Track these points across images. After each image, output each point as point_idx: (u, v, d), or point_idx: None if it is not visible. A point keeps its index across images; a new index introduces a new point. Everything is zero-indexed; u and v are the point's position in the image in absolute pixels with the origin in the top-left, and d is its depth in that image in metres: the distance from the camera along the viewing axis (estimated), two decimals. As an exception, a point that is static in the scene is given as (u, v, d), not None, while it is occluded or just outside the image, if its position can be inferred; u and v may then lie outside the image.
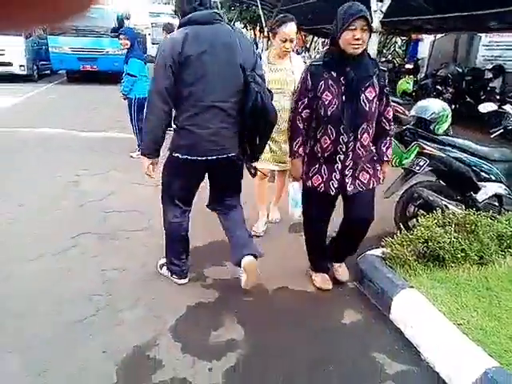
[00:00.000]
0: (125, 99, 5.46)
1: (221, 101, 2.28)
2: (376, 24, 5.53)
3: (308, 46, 18.69)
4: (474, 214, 2.87)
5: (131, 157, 5.51)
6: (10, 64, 12.14)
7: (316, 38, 19.27)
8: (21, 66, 12.28)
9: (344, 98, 2.29)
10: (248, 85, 2.27)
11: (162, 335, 2.29)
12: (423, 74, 11.95)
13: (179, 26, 2.31)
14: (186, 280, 2.78)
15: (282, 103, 3.10)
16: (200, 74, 2.22)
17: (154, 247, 3.21)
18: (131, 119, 5.53)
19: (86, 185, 4.46)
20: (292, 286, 2.82)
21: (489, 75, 9.09)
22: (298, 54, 11.98)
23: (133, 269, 2.92)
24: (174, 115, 2.41)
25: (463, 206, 3.17)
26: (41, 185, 4.36)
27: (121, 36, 5.45)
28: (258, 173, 3.04)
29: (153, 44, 20.69)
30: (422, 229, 2.74)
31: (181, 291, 2.71)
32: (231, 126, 2.35)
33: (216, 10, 2.35)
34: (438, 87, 9.67)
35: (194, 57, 2.19)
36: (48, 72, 13.87)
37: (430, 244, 2.67)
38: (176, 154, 2.38)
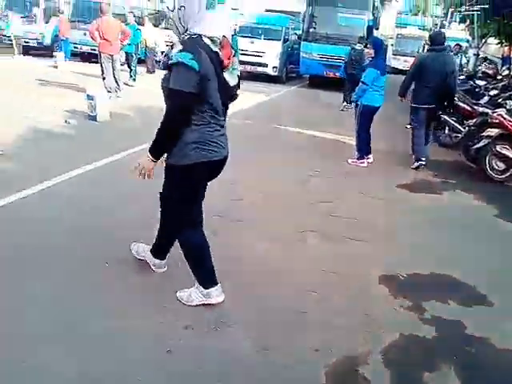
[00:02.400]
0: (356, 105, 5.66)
1: (436, 83, 5.44)
2: None
3: None
4: None
5: (347, 162, 5.67)
6: (265, 65, 13.89)
7: None
8: (274, 67, 13.88)
9: None
10: (449, 79, 5.51)
11: (373, 355, 2.25)
12: None
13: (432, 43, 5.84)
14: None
15: None
16: (429, 74, 5.47)
17: (373, 260, 3.20)
18: (356, 124, 5.71)
19: (317, 185, 4.75)
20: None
21: None
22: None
23: (351, 276, 2.97)
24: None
25: None
26: (279, 177, 4.84)
27: (368, 46, 5.64)
28: None
29: (394, 55, 20.40)
30: None
31: (395, 316, 2.61)
32: (437, 94, 5.51)
33: (445, 46, 5.98)
34: None
35: (429, 65, 5.52)
36: (294, 75, 15.26)
37: None
38: None
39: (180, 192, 2.30)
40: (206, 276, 2.46)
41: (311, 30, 13.36)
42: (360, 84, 5.47)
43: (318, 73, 13.45)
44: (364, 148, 5.71)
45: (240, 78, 2.30)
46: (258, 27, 14.37)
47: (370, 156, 5.82)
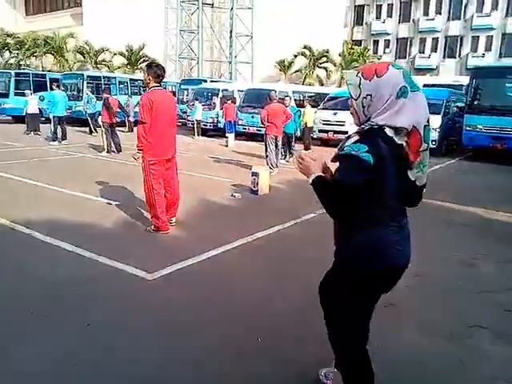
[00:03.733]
0: None
1: None
2: None
3: None
4: None
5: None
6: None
7: None
8: (433, 141, 13.41)
9: None
10: None
11: None
12: None
13: None
14: None
15: None
16: None
17: None
18: None
19: (485, 271, 4.25)
20: None
21: None
22: None
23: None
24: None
25: None
26: (439, 259, 4.48)
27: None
28: None
29: None
30: None
31: None
32: None
33: None
34: None
35: None
36: (454, 147, 14.43)
37: None
38: None
39: (342, 303, 1.98)
40: None
41: (476, 102, 12.80)
42: None
43: (483, 145, 12.56)
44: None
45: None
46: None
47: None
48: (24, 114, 16.32)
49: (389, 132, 1.75)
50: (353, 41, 36.96)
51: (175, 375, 2.51)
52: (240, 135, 16.36)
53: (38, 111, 15.57)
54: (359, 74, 1.82)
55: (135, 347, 2.75)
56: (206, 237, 4.93)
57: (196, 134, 16.88)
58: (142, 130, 4.82)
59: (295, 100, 17.35)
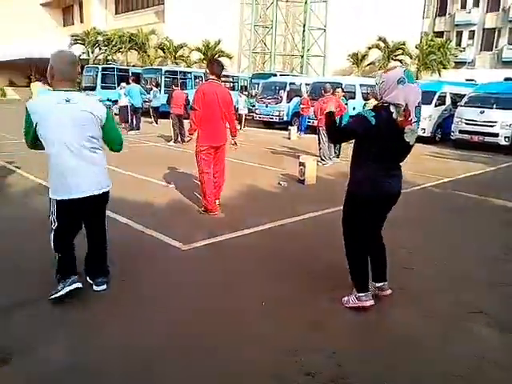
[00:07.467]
0: None
1: None
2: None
3: None
4: None
5: None
6: (496, 135, 12.84)
7: None
8: (506, 137, 12.71)
9: None
10: None
11: None
12: None
13: None
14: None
15: None
16: None
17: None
18: None
19: (508, 267, 4.22)
20: None
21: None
22: None
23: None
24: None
25: None
26: (467, 253, 4.51)
27: None
28: None
29: None
30: None
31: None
32: None
33: None
34: None
35: None
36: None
37: None
38: None
39: (349, 215, 3.17)
40: (359, 283, 3.18)
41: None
42: None
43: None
44: None
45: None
46: (490, 96, 13.56)
47: None
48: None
49: (392, 108, 2.84)
50: (434, 32, 35.11)
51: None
52: (307, 128, 16.50)
53: (127, 103, 14.98)
54: (383, 72, 2.98)
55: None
56: (240, 219, 5.35)
57: (241, 126, 16.54)
58: (192, 115, 5.44)
59: (362, 93, 17.16)
